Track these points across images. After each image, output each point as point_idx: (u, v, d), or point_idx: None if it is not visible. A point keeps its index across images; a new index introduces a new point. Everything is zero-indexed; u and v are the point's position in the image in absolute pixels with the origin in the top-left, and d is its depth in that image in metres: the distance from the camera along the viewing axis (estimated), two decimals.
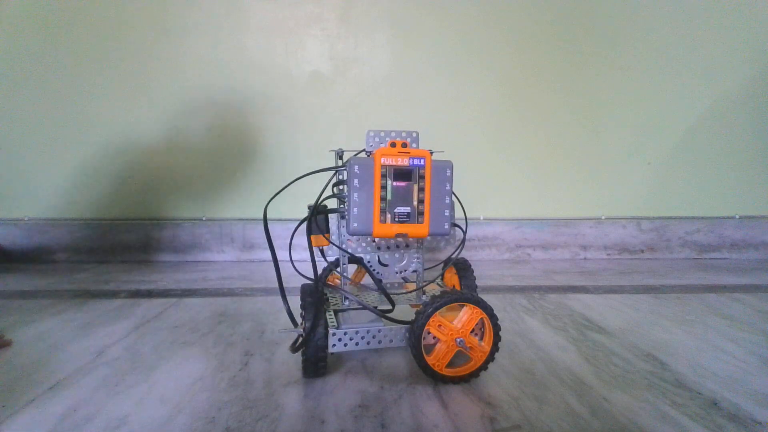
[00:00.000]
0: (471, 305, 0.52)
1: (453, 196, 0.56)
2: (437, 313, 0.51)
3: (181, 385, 0.52)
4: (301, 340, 0.52)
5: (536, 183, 1.22)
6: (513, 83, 1.18)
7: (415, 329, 0.51)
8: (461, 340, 0.51)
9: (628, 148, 1.22)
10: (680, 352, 0.62)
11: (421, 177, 0.52)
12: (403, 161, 0.52)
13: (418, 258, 0.60)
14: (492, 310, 0.53)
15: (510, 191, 1.23)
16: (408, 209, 0.52)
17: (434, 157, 0.54)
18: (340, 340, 0.53)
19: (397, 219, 0.52)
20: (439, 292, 0.55)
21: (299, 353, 0.53)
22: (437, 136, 1.18)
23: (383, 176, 0.51)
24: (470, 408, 0.48)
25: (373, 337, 0.54)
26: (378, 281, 0.59)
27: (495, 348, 0.53)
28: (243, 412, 0.47)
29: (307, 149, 1.16)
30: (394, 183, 0.52)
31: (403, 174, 0.52)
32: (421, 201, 0.52)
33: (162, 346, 0.63)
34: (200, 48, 1.11)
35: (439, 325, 0.51)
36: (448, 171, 0.53)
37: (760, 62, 1.19)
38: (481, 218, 1.22)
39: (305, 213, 0.57)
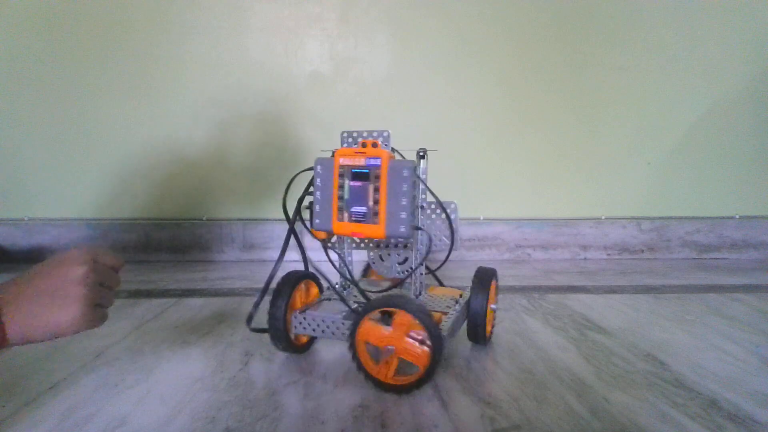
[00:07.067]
0: (398, 310, 0.48)
1: (432, 195, 0.55)
2: (367, 321, 0.49)
3: (181, 385, 0.52)
4: (252, 312, 0.55)
5: (536, 183, 1.22)
6: (513, 83, 1.18)
7: (349, 346, 0.50)
8: (391, 348, 0.48)
9: (628, 148, 1.22)
10: (680, 352, 0.62)
11: (377, 177, 0.52)
12: (360, 161, 0.52)
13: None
14: (423, 311, 0.47)
15: (510, 191, 1.23)
16: (364, 209, 0.52)
17: (429, 155, 0.54)
18: (300, 323, 0.55)
19: (353, 218, 0.52)
20: (435, 293, 0.54)
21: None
22: (437, 136, 1.19)
23: (341, 176, 0.52)
24: (470, 408, 0.48)
25: (327, 327, 0.54)
26: (352, 280, 0.58)
27: (436, 355, 0.47)
28: (243, 412, 0.47)
29: (307, 149, 1.16)
30: (351, 183, 0.52)
31: (359, 174, 0.52)
32: (376, 201, 0.52)
33: (162, 346, 0.63)
34: (200, 48, 1.11)
35: (373, 334, 0.49)
36: (406, 171, 0.51)
37: (760, 62, 1.19)
38: (481, 218, 1.22)
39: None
